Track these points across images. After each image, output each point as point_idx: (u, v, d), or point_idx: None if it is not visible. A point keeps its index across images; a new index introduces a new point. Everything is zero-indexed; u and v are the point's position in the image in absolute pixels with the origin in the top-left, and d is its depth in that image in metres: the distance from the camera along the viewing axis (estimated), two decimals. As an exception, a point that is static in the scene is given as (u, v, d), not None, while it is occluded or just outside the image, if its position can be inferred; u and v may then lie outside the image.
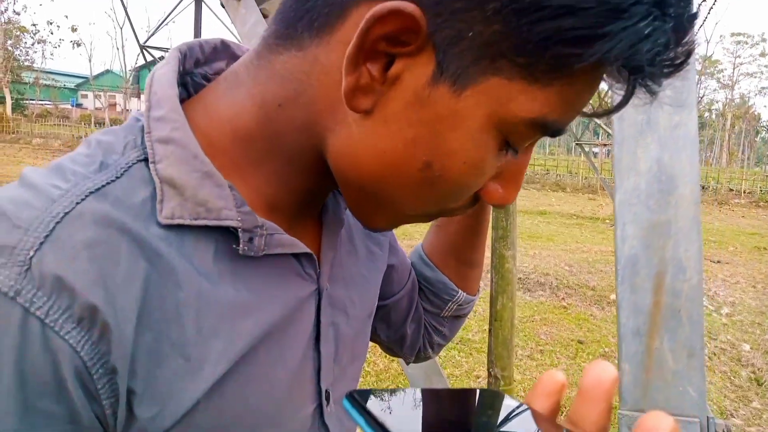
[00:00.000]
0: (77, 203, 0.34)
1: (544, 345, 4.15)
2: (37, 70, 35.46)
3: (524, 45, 0.33)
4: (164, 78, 0.41)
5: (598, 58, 0.32)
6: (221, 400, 0.39)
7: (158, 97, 0.40)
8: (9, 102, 28.12)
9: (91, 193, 0.35)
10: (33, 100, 39.30)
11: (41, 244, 0.32)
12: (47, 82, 38.34)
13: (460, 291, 0.72)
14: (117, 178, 0.37)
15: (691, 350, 0.99)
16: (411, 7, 0.33)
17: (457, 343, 4.00)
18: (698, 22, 0.36)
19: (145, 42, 9.87)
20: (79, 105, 44.22)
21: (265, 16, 1.49)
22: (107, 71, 44.54)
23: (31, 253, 0.32)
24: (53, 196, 0.34)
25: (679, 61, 0.35)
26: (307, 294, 0.46)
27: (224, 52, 0.48)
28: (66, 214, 0.34)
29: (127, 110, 34.80)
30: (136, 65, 33.64)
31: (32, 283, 0.32)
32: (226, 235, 0.40)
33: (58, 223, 0.33)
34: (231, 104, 0.41)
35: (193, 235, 0.39)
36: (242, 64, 0.42)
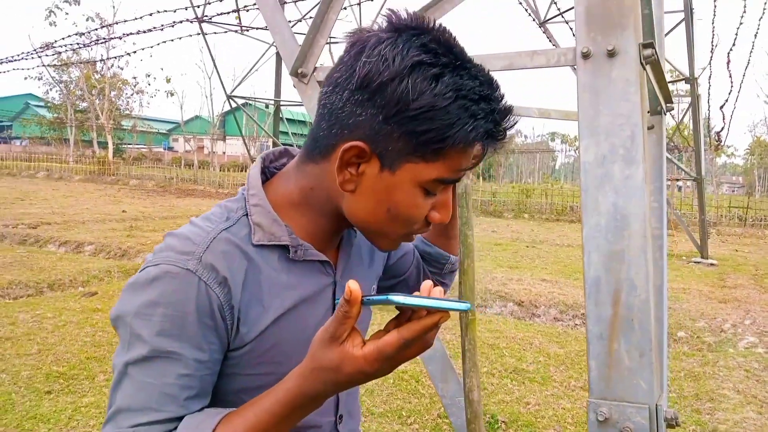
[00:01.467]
0: (218, 234, 0.73)
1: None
2: (134, 117, 38.69)
3: (416, 147, 0.67)
4: (255, 173, 0.80)
5: (451, 144, 0.66)
6: (278, 329, 0.76)
7: (251, 184, 0.79)
8: (111, 147, 30.83)
9: (224, 230, 0.73)
10: (130, 144, 42.72)
11: (205, 251, 0.70)
12: (143, 128, 41.64)
13: (450, 255, 1.12)
14: (234, 224, 0.75)
15: (642, 351, 1.27)
16: (360, 144, 0.68)
17: (511, 372, 4.20)
18: (509, 112, 0.71)
19: (231, 92, 10.83)
20: (170, 148, 47.46)
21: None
22: (196, 117, 47.63)
23: (201, 255, 0.69)
24: (208, 231, 0.73)
25: (502, 135, 0.70)
26: (327, 283, 0.83)
27: (285, 153, 0.88)
28: (214, 238, 0.72)
29: (214, 152, 37.16)
30: (223, 111, 36.06)
31: (201, 266, 0.68)
32: (284, 249, 0.77)
33: (211, 242, 0.71)
34: (285, 188, 0.79)
35: (268, 249, 0.76)
36: (291, 167, 0.81)
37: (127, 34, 9.68)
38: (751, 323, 5.66)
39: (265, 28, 11.23)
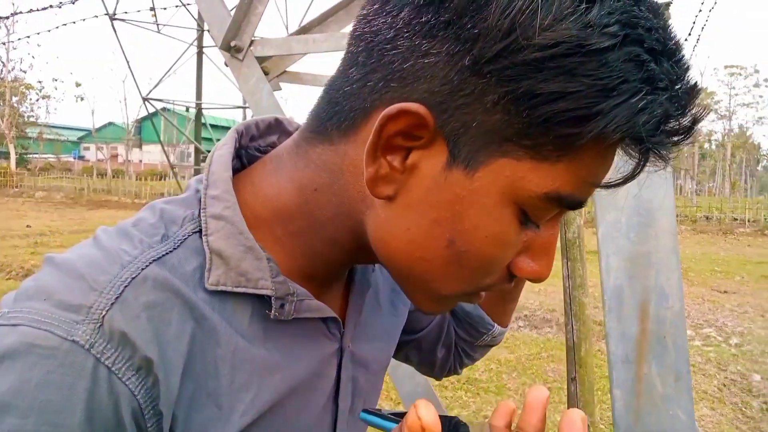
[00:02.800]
0: (142, 269, 0.40)
1: (551, 382, 4.13)
2: (40, 125, 36.10)
3: (526, 129, 0.37)
4: (221, 159, 0.47)
5: (596, 134, 0.36)
6: None
7: (215, 178, 0.46)
8: (13, 157, 28.52)
9: (153, 260, 0.41)
10: (36, 154, 39.87)
11: (112, 304, 0.38)
12: (50, 136, 38.97)
13: (495, 325, 0.78)
14: (174, 248, 0.43)
15: (678, 374, 1.04)
16: (416, 107, 0.38)
17: (464, 383, 3.99)
18: (697, 92, 0.39)
19: (147, 94, 10.12)
20: (81, 157, 44.79)
21: (266, 74, 1.59)
22: (109, 123, 45.25)
23: (104, 313, 0.38)
24: (123, 262, 0.40)
25: (684, 129, 0.38)
26: (331, 352, 0.52)
27: (277, 127, 0.54)
28: (133, 279, 0.40)
29: (129, 161, 35.23)
30: (138, 117, 34.29)
31: (103, 337, 0.37)
32: (262, 301, 0.46)
33: (126, 286, 0.39)
34: (274, 184, 0.47)
35: (233, 299, 0.45)
36: (284, 149, 0.48)
37: (34, 35, 8.81)
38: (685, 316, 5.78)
39: (183, 27, 10.62)
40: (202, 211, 0.45)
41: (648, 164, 0.40)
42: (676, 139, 0.38)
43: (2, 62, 30.01)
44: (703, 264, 9.39)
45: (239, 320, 0.44)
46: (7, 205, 17.41)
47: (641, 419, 1.06)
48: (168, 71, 10.24)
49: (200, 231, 0.45)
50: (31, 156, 38.54)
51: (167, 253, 0.42)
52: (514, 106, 0.37)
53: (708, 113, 0.40)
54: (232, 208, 0.45)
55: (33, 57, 52.14)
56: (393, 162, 0.41)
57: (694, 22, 4.05)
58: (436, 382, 4.01)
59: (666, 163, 0.40)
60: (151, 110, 10.69)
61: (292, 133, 0.51)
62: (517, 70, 0.36)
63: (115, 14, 8.59)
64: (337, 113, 0.43)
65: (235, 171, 0.49)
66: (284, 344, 0.47)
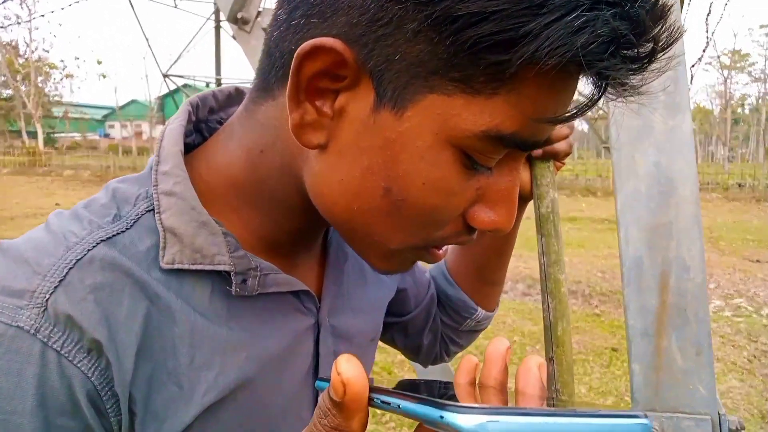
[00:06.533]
0: (89, 250, 0.40)
1: (576, 354, 4.11)
2: (65, 104, 36.63)
3: (452, 59, 0.33)
4: (172, 134, 0.46)
5: (528, 59, 0.31)
6: (217, 423, 0.43)
7: (165, 153, 0.45)
8: (41, 136, 29.06)
9: (102, 241, 0.40)
10: (63, 133, 40.56)
11: (56, 288, 0.37)
12: (75, 115, 39.57)
13: (479, 308, 0.75)
14: (127, 228, 0.42)
15: (699, 348, 1.00)
16: (330, 41, 0.35)
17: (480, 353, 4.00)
18: (661, 9, 0.34)
19: (167, 71, 10.15)
20: (106, 135, 45.47)
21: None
22: (132, 101, 45.78)
23: (48, 296, 0.37)
24: (69, 244, 0.40)
25: (644, 54, 0.33)
26: (305, 327, 0.50)
27: (238, 97, 0.52)
28: (78, 260, 0.39)
29: (153, 137, 35.65)
30: (161, 94, 34.54)
31: (48, 321, 0.37)
32: (223, 277, 0.44)
33: (71, 268, 0.38)
34: (226, 153, 0.46)
35: (193, 278, 0.43)
36: (236, 115, 0.46)
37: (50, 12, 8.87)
38: (715, 287, 5.68)
39: (201, 0, 10.55)
40: (153, 188, 0.43)
41: (612, 95, 0.35)
42: (633, 65, 0.33)
43: (26, 42, 30.38)
44: (735, 233, 9.17)
45: (198, 298, 0.43)
46: (37, 183, 17.80)
47: (660, 394, 1.03)
48: (186, 47, 10.25)
49: (153, 210, 0.43)
50: (57, 135, 39.25)
51: (119, 233, 0.41)
52: (435, 33, 0.33)
53: (680, 34, 0.34)
54: (183, 183, 0.43)
55: (54, 36, 52.73)
56: (323, 107, 0.38)
57: (725, -20, 3.88)
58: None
59: (634, 94, 0.35)
60: (172, 87, 10.74)
61: None
62: None
63: (132, -10, 8.59)
64: (273, 63, 0.40)
65: (196, 146, 0.48)
66: (251, 321, 0.45)
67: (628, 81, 0.35)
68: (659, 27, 0.34)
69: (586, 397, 3.31)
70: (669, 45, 0.34)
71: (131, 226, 0.42)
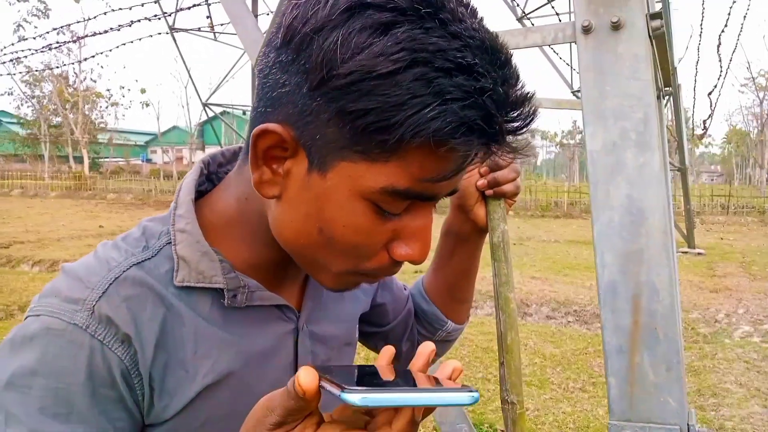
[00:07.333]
0: (124, 271, 0.54)
1: (597, 377, 4.11)
2: (110, 131, 38.06)
3: (353, 137, 0.46)
4: (187, 186, 0.60)
5: (399, 140, 0.44)
6: (213, 400, 0.57)
7: (181, 200, 0.60)
8: (87, 162, 30.25)
9: (134, 265, 0.55)
10: (107, 158, 42.09)
11: (100, 297, 0.52)
12: (120, 141, 41.06)
13: (449, 321, 0.89)
14: (153, 256, 0.57)
15: (669, 364, 1.10)
16: (273, 126, 0.49)
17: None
18: (510, 98, 0.45)
19: (207, 100, 10.59)
20: (149, 160, 46.89)
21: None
22: (174, 127, 47.14)
23: (94, 303, 0.52)
24: (110, 267, 0.54)
25: (494, 131, 0.45)
26: (286, 332, 0.64)
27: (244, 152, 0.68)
28: (116, 279, 0.54)
29: (193, 162, 36.55)
30: (200, 121, 35.63)
31: (95, 320, 0.51)
32: (219, 293, 0.58)
33: (111, 284, 0.53)
34: (223, 199, 0.61)
35: (198, 292, 0.57)
36: (233, 171, 0.61)
37: (98, 53, 9.34)
38: (744, 312, 5.59)
39: (239, 33, 11.06)
40: (171, 226, 0.58)
41: (485, 158, 0.47)
42: (494, 141, 0.46)
43: (75, 73, 31.85)
44: (770, 258, 8.95)
45: (201, 307, 0.57)
46: (82, 206, 18.52)
47: (634, 405, 1.13)
48: (224, 78, 10.67)
49: (172, 242, 0.58)
50: (102, 160, 40.75)
51: (146, 260, 0.56)
52: (340, 121, 0.46)
53: (534, 116, 0.47)
54: (192, 223, 0.58)
55: (102, 67, 55.09)
56: (278, 169, 0.51)
57: None
58: (472, 383, 4.07)
59: (507, 155, 0.47)
60: (211, 114, 11.16)
61: None
62: (333, 94, 0.45)
63: (174, 27, 9.04)
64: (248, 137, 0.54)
65: (206, 192, 0.63)
66: (241, 326, 0.60)
67: (499, 149, 0.47)
68: (511, 112, 0.46)
69: (604, 420, 3.33)
70: (526, 123, 0.47)
71: (156, 254, 0.57)
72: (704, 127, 5.29)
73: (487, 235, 0.82)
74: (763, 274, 7.56)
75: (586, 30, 1.18)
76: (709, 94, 3.70)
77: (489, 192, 0.79)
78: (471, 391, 0.39)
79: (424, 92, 0.43)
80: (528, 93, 0.47)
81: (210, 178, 0.65)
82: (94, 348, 0.51)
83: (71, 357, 0.50)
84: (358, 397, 0.37)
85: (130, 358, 0.53)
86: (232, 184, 0.60)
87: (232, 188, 0.60)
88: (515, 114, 0.46)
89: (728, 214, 16.33)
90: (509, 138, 0.47)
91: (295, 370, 0.65)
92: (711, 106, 3.98)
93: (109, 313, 0.52)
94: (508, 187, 0.78)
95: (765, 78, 33.37)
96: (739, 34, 3.27)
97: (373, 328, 0.84)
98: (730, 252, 9.63)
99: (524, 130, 0.47)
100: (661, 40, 1.36)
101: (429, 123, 0.43)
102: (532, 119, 0.47)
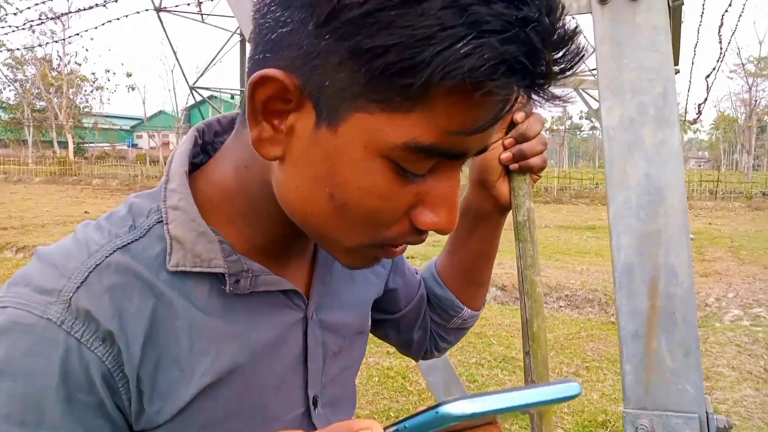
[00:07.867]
0: (106, 257, 0.47)
1: (590, 362, 4.11)
2: (95, 115, 37.48)
3: (369, 83, 0.38)
4: (179, 157, 0.53)
5: (426, 82, 0.36)
6: (214, 401, 0.50)
7: (173, 173, 0.51)
8: (71, 147, 29.79)
9: (118, 248, 0.48)
10: (92, 143, 41.50)
11: (78, 288, 0.45)
12: (105, 126, 40.45)
13: (465, 308, 0.81)
14: (141, 237, 0.49)
15: (687, 349, 1.06)
16: (273, 72, 0.41)
17: (500, 362, 4.03)
18: (559, 31, 0.37)
19: (194, 83, 10.40)
20: (134, 145, 46.31)
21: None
22: (160, 112, 46.53)
23: (71, 295, 0.44)
24: (91, 251, 0.47)
25: (539, 72, 0.37)
26: (294, 321, 0.56)
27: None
28: (97, 265, 0.46)
29: (180, 148, 36.07)
30: (187, 105, 35.19)
31: (71, 315, 0.44)
32: (219, 278, 0.50)
33: (91, 272, 0.46)
34: (221, 171, 0.52)
35: (194, 278, 0.50)
36: (230, 137, 0.53)
37: (84, 31, 9.12)
38: (734, 296, 5.62)
39: (227, 16, 10.81)
40: (162, 203, 0.50)
41: (527, 104, 0.40)
42: (529, 83, 0.38)
43: (59, 56, 31.26)
44: (758, 242, 9.02)
45: (198, 296, 0.50)
46: (67, 192, 18.26)
47: (651, 393, 1.09)
48: (212, 60, 10.49)
49: (162, 221, 0.50)
50: (87, 145, 40.16)
51: (133, 242, 0.49)
52: (354, 63, 0.38)
53: (581, 56, 0.39)
54: (186, 199, 0.50)
55: (87, 50, 54.12)
56: (279, 125, 0.44)
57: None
58: (465, 368, 4.06)
59: (548, 102, 0.40)
60: (198, 98, 10.99)
61: None
62: (346, 30, 0.37)
63: (161, 7, 8.84)
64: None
65: (200, 164, 0.55)
66: (244, 315, 0.52)
67: (539, 93, 0.39)
68: (557, 48, 0.38)
69: (598, 404, 3.32)
70: (572, 64, 0.39)
71: (144, 235, 0.49)
72: (698, 111, 5.25)
73: (510, 213, 0.76)
74: (751, 258, 7.61)
75: (603, 0, 1.12)
76: (707, 77, 3.65)
77: (514, 166, 0.72)
78: (571, 382, 0.35)
79: (456, 23, 0.35)
80: (575, 26, 0.39)
81: (205, 149, 0.57)
82: (70, 347, 0.44)
83: (43, 357, 0.43)
84: (464, 406, 0.32)
85: (113, 358, 0.45)
86: (230, 152, 0.52)
87: (229, 156, 0.52)
88: (562, 51, 0.38)
89: (716, 200, 16.48)
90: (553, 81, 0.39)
91: (305, 362, 0.58)
92: (707, 89, 3.93)
93: (89, 306, 0.44)
94: (535, 161, 0.71)
95: (754, 64, 33.58)
96: (740, 15, 3.22)
97: (383, 315, 0.77)
98: (719, 237, 9.69)
99: (569, 72, 0.39)
100: (677, 11, 1.31)
101: (462, 61, 0.35)
102: (581, 59, 0.39)
